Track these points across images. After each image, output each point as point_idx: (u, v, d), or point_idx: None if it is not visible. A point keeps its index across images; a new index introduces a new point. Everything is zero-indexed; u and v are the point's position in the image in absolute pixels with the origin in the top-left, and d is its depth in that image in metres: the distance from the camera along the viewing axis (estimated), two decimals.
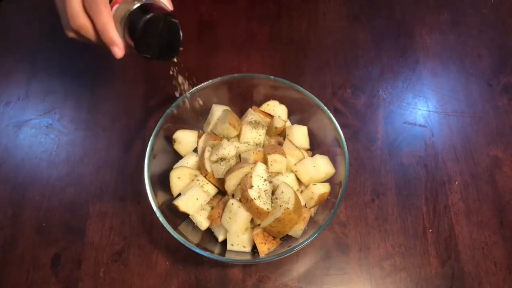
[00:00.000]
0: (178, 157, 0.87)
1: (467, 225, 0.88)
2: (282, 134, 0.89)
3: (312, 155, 0.84)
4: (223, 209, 0.78)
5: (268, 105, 0.90)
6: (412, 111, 1.00)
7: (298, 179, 0.82)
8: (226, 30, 1.12)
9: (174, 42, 0.64)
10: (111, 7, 0.62)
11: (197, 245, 0.75)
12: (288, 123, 0.91)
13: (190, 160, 0.84)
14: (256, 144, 0.84)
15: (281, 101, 0.90)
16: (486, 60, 1.06)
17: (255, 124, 0.84)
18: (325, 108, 0.82)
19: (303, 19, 1.13)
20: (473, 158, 0.95)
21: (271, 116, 0.88)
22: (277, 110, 0.90)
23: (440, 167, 0.94)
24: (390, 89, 1.03)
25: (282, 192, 0.75)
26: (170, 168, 0.83)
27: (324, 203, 0.82)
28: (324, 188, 0.80)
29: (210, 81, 0.85)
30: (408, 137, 0.97)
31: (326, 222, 0.74)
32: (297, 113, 0.91)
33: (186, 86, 0.78)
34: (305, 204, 0.80)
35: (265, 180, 0.76)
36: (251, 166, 0.77)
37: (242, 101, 0.92)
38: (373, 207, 0.90)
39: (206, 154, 0.82)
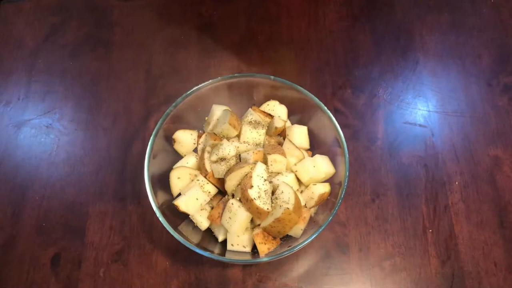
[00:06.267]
0: (178, 157, 0.87)
1: (467, 225, 0.88)
2: (282, 134, 0.89)
3: (312, 155, 0.84)
4: (223, 209, 0.78)
5: (268, 105, 0.90)
6: (412, 111, 1.00)
7: (298, 179, 0.82)
8: (226, 30, 1.12)
9: None
10: None
11: (197, 245, 0.75)
12: (288, 123, 0.91)
13: (190, 160, 0.84)
14: (256, 144, 0.84)
15: (281, 101, 0.90)
16: (486, 60, 1.06)
17: (255, 124, 0.84)
18: (325, 108, 0.82)
19: (303, 19, 1.13)
20: (473, 158, 0.94)
21: (271, 116, 0.88)
22: (277, 110, 0.90)
23: (440, 167, 0.94)
24: (390, 89, 1.03)
25: (282, 192, 0.75)
26: (170, 168, 0.83)
27: (324, 203, 0.82)
28: (324, 188, 0.80)
29: (210, 81, 0.86)
30: (408, 137, 0.97)
31: (326, 222, 0.74)
32: (297, 113, 0.91)
33: None
34: (305, 204, 0.80)
35: (265, 180, 0.76)
36: (251, 166, 0.77)
37: (242, 101, 0.92)
38: (373, 207, 0.90)
39: (206, 154, 0.82)
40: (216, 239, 0.81)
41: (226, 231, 0.79)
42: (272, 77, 0.86)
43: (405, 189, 0.92)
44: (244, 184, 0.75)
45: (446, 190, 0.91)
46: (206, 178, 0.81)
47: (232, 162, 0.80)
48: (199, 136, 0.87)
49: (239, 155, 0.82)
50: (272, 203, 0.75)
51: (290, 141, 0.83)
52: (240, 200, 0.76)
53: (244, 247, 0.78)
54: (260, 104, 0.92)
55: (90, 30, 1.13)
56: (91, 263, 0.86)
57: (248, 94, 0.91)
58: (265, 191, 0.75)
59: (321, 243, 0.87)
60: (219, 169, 0.79)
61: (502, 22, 1.10)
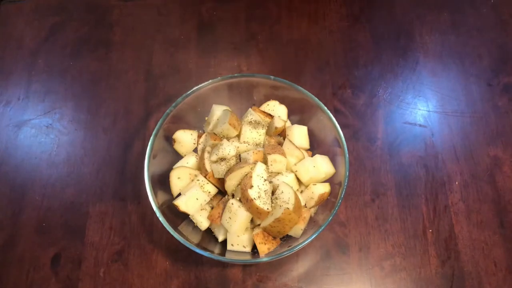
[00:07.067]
0: (178, 157, 0.87)
1: (467, 225, 0.88)
2: (282, 134, 0.89)
3: (312, 155, 0.84)
4: (223, 209, 0.78)
5: (268, 105, 0.90)
6: (412, 111, 1.00)
7: (298, 179, 0.82)
8: (226, 30, 1.12)
9: None
10: None
11: (197, 245, 0.75)
12: (288, 123, 0.91)
13: (190, 160, 0.84)
14: (256, 144, 0.84)
15: (281, 101, 0.90)
16: (486, 60, 1.06)
17: (255, 124, 0.84)
18: (325, 108, 0.82)
19: (303, 19, 1.13)
20: (473, 158, 0.94)
21: (271, 116, 0.88)
22: (277, 110, 0.90)
23: (440, 167, 0.94)
24: (390, 89, 1.03)
25: (282, 192, 0.75)
26: (170, 168, 0.83)
27: (324, 203, 0.82)
28: (324, 188, 0.80)
29: (210, 81, 0.85)
30: (408, 137, 0.97)
31: (326, 222, 0.74)
32: (297, 113, 0.91)
33: None
34: (305, 204, 0.80)
35: (265, 180, 0.76)
36: (251, 166, 0.77)
37: (242, 101, 0.92)
38: (373, 207, 0.90)
39: (206, 154, 0.82)
40: (216, 239, 0.81)
41: (226, 231, 0.79)
42: (272, 77, 0.86)
43: (405, 189, 0.92)
44: (244, 184, 0.75)
45: (446, 190, 0.91)
46: (206, 178, 0.81)
47: (232, 162, 0.80)
48: (199, 136, 0.87)
49: (239, 155, 0.82)
50: (272, 203, 0.75)
51: (290, 141, 0.83)
52: (240, 200, 0.76)
53: (244, 247, 0.78)
54: (260, 104, 0.92)
55: (90, 30, 1.13)
56: (91, 263, 0.86)
57: (248, 94, 0.91)
58: (265, 191, 0.75)
59: (321, 243, 0.87)
60: (219, 169, 0.79)
61: (502, 22, 1.11)
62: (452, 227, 0.88)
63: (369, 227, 0.88)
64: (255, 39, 1.10)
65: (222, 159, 0.79)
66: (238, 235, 0.77)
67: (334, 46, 1.09)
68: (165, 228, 0.74)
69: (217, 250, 0.79)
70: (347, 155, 0.78)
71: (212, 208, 0.81)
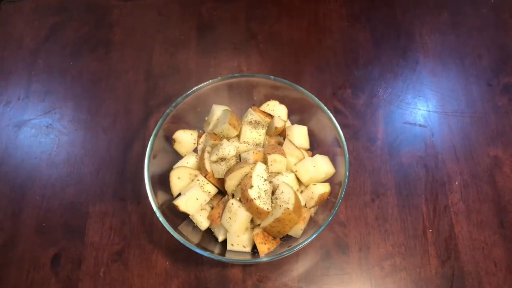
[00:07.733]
0: (178, 157, 0.87)
1: (467, 225, 0.88)
2: (282, 134, 0.89)
3: (312, 155, 0.84)
4: (223, 209, 0.78)
5: (268, 105, 0.90)
6: (412, 111, 1.00)
7: (298, 179, 0.82)
8: (226, 30, 1.12)
9: None
10: None
11: (197, 245, 0.75)
12: (288, 123, 0.91)
13: (190, 160, 0.84)
14: (256, 144, 0.84)
15: (281, 101, 0.90)
16: (486, 60, 1.06)
17: (255, 124, 0.84)
18: (325, 108, 0.82)
19: (303, 19, 1.13)
20: (473, 158, 0.95)
21: (271, 116, 0.88)
22: (277, 110, 0.90)
23: (440, 167, 0.94)
24: (390, 89, 1.03)
25: (282, 192, 0.75)
26: (170, 168, 0.83)
27: (324, 203, 0.82)
28: (324, 188, 0.80)
29: (210, 81, 0.86)
30: (408, 137, 0.97)
31: (326, 222, 0.74)
32: (297, 113, 0.91)
33: None
34: (305, 204, 0.80)
35: (265, 180, 0.76)
36: (251, 166, 0.77)
37: (242, 101, 0.92)
38: (373, 207, 0.90)
39: (206, 154, 0.82)
40: (216, 239, 0.81)
41: (226, 231, 0.79)
42: (272, 77, 0.86)
43: (405, 189, 0.92)
44: (244, 184, 0.75)
45: (446, 190, 0.91)
46: (206, 178, 0.81)
47: (232, 162, 0.80)
48: (199, 136, 0.87)
49: (239, 155, 0.82)
50: (272, 203, 0.75)
51: (290, 141, 0.83)
52: (240, 200, 0.76)
53: (244, 247, 0.78)
54: (260, 104, 0.92)
55: (90, 30, 1.13)
56: (91, 263, 0.86)
57: (248, 94, 0.91)
58: (265, 191, 0.75)
59: (321, 243, 0.87)
60: (219, 169, 0.79)
61: (502, 22, 1.11)
62: (452, 227, 0.88)
63: (369, 227, 0.88)
64: (255, 39, 1.10)
65: (222, 159, 0.79)
66: (238, 235, 0.77)
67: (334, 46, 1.09)
68: (165, 228, 0.74)
69: (217, 250, 0.79)
70: (347, 155, 0.78)
71: (212, 208, 0.81)
